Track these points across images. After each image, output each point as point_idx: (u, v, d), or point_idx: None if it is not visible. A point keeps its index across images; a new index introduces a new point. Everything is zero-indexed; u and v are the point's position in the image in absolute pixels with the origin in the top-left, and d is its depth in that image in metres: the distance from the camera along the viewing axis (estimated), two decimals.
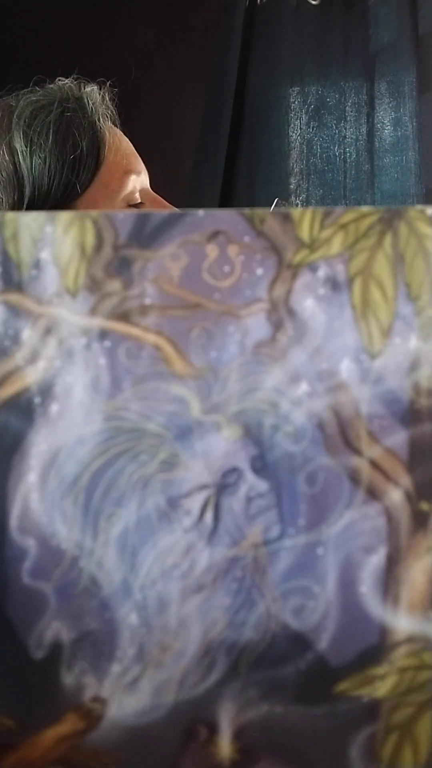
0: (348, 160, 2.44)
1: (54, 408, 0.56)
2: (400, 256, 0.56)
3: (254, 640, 0.56)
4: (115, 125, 1.27)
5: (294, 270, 0.56)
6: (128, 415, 0.56)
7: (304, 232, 0.56)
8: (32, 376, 0.56)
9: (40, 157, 1.17)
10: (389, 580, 0.56)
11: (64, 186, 1.18)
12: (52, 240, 0.56)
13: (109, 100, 1.27)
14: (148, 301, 0.56)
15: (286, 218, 0.56)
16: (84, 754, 0.57)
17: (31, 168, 1.17)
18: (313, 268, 0.56)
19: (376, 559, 0.56)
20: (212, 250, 0.56)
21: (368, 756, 0.57)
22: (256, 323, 0.56)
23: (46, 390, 0.56)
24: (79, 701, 0.57)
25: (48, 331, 0.56)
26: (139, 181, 1.24)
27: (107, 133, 1.22)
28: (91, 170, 1.19)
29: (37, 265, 0.56)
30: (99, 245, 0.56)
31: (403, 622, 0.57)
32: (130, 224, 0.56)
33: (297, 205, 2.28)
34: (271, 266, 0.56)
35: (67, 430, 0.56)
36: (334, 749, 0.57)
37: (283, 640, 0.56)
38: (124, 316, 0.56)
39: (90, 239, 0.56)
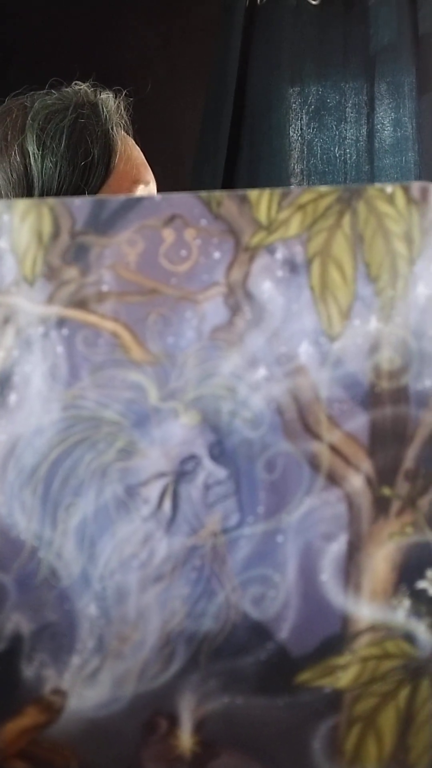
0: (348, 161, 2.44)
1: (12, 398, 0.55)
2: (359, 236, 0.55)
3: (214, 630, 0.56)
4: (128, 134, 1.27)
5: (251, 252, 0.55)
6: (86, 404, 0.55)
7: (262, 214, 0.55)
8: None
9: (51, 161, 1.16)
10: (350, 567, 0.55)
11: (73, 191, 1.17)
12: (10, 228, 0.55)
13: (124, 108, 1.27)
14: (105, 287, 0.55)
15: (243, 200, 0.55)
16: (44, 747, 0.56)
17: (42, 171, 1.16)
18: (270, 250, 0.55)
19: (337, 547, 0.55)
20: (169, 235, 0.55)
21: (331, 748, 0.56)
22: (213, 308, 0.55)
23: (5, 380, 0.55)
24: (39, 694, 0.56)
25: (6, 320, 0.55)
26: (146, 191, 1.24)
27: (119, 142, 1.22)
28: (101, 178, 1.19)
29: None
30: (56, 233, 0.55)
31: (365, 611, 0.56)
32: (87, 210, 0.55)
33: None
34: (229, 249, 0.55)
35: (26, 420, 0.55)
36: (296, 741, 0.56)
37: (243, 630, 0.56)
38: (81, 304, 0.55)
39: (47, 227, 0.55)
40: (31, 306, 0.55)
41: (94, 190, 1.19)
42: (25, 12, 2.56)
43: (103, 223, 0.55)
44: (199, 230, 0.55)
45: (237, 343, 0.55)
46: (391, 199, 0.55)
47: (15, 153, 1.17)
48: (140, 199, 0.55)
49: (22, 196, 1.16)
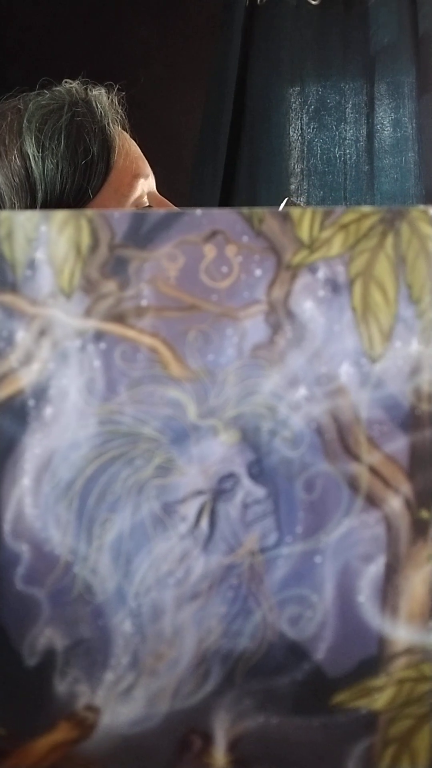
0: (348, 161, 2.44)
1: (48, 411, 0.55)
2: (401, 257, 0.55)
3: (250, 649, 0.55)
4: (123, 129, 1.26)
5: (293, 271, 0.55)
6: (123, 419, 0.55)
7: (304, 233, 0.55)
8: (26, 379, 0.55)
9: (52, 162, 1.16)
10: (388, 589, 0.55)
11: (76, 191, 1.17)
12: (47, 239, 0.55)
13: (117, 103, 1.26)
14: (144, 302, 0.55)
15: (286, 218, 0.55)
16: (77, 762, 0.56)
17: (44, 173, 1.16)
18: (312, 269, 0.55)
19: (375, 568, 0.55)
20: (210, 251, 0.55)
21: None
22: (254, 325, 0.55)
23: (41, 393, 0.55)
24: (72, 709, 0.56)
25: (42, 332, 0.55)
26: (147, 184, 1.23)
27: (116, 138, 1.21)
28: (102, 175, 1.19)
29: (31, 265, 0.55)
30: (95, 245, 0.55)
31: (401, 633, 0.55)
32: (127, 223, 0.55)
33: (302, 204, 2.28)
34: (270, 267, 0.55)
35: (62, 434, 0.55)
36: (330, 762, 0.56)
37: (280, 649, 0.55)
38: (119, 318, 0.55)
39: (85, 239, 0.55)
40: (68, 319, 0.55)
41: (96, 188, 1.18)
42: (25, 12, 2.55)
43: (142, 237, 0.55)
44: (241, 247, 0.55)
45: (278, 362, 0.55)
46: None
47: (15, 157, 1.16)
48: (181, 214, 0.55)
49: (26, 200, 1.16)
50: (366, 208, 0.55)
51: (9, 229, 0.55)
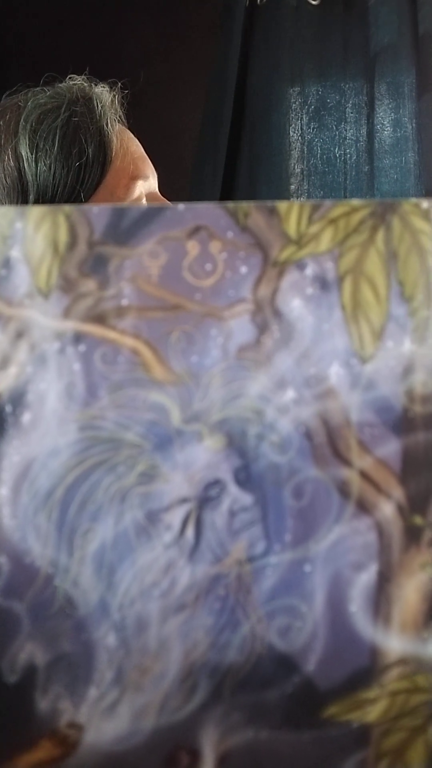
0: (348, 161, 2.42)
1: (26, 417, 0.53)
2: (393, 252, 0.53)
3: (238, 662, 0.53)
4: (125, 127, 1.24)
5: (280, 268, 0.53)
6: (105, 425, 0.53)
7: (291, 227, 0.53)
8: (3, 383, 0.53)
9: (45, 164, 1.14)
10: (380, 598, 0.53)
11: (69, 193, 1.15)
12: (23, 237, 0.53)
13: (120, 100, 1.24)
14: (125, 302, 0.53)
15: (272, 212, 0.53)
16: None
17: (36, 175, 1.14)
18: (300, 265, 0.53)
19: (367, 577, 0.53)
20: (193, 247, 0.53)
21: None
22: (239, 325, 0.53)
23: (18, 398, 0.53)
24: (55, 727, 0.54)
25: (19, 334, 0.53)
26: (146, 186, 1.21)
27: (114, 139, 1.19)
28: (96, 177, 1.16)
29: (6, 264, 0.53)
30: (73, 242, 0.53)
31: (394, 643, 0.53)
32: (106, 219, 0.53)
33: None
34: (256, 264, 0.53)
35: (40, 441, 0.53)
36: None
37: (269, 662, 0.53)
38: (99, 319, 0.53)
39: (63, 236, 0.53)
40: (46, 320, 0.53)
41: (90, 191, 1.16)
42: (25, 12, 2.54)
43: (122, 233, 0.53)
44: (225, 243, 0.53)
45: (265, 364, 0.53)
46: (426, 215, 0.53)
47: (8, 157, 1.14)
48: (162, 209, 0.53)
49: (17, 201, 1.14)
50: (356, 202, 0.53)
51: None
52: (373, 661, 0.53)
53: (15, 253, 0.53)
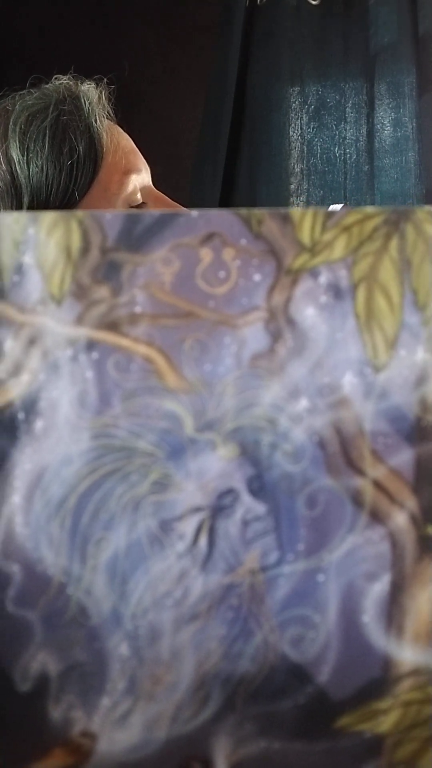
0: (348, 161, 2.42)
1: (39, 424, 0.53)
2: (406, 260, 0.53)
3: (251, 672, 0.53)
4: (116, 123, 1.23)
5: (294, 276, 0.53)
6: (117, 433, 0.53)
7: (305, 235, 0.53)
8: (15, 390, 0.53)
9: (37, 165, 1.13)
10: (393, 609, 0.53)
11: (62, 193, 1.14)
12: (36, 243, 0.53)
13: (108, 95, 1.23)
14: (138, 309, 0.53)
15: (286, 219, 0.53)
16: None
17: (29, 177, 1.14)
18: (314, 273, 0.53)
19: (380, 587, 0.53)
20: (206, 254, 0.53)
21: None
22: (253, 334, 0.53)
23: (31, 405, 0.53)
24: (68, 736, 0.54)
25: (32, 341, 0.53)
26: (140, 179, 1.20)
27: (104, 134, 1.18)
28: (89, 175, 1.16)
29: (19, 270, 0.53)
30: (85, 248, 0.53)
31: (407, 654, 0.53)
32: (119, 225, 0.53)
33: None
34: (270, 272, 0.53)
35: (53, 449, 0.53)
36: None
37: (282, 672, 0.53)
38: (112, 326, 0.53)
39: (76, 242, 0.53)
40: (59, 327, 0.53)
41: (83, 189, 1.16)
42: (24, 12, 2.53)
43: (136, 240, 0.53)
44: (239, 250, 0.53)
45: (278, 372, 0.52)
46: None
47: (0, 161, 1.14)
48: (176, 216, 0.53)
49: (12, 205, 1.14)
50: (369, 209, 0.53)
51: None
52: (386, 671, 0.53)
53: (28, 259, 0.53)
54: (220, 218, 0.53)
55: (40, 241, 0.53)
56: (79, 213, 0.53)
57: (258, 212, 0.53)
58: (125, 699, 0.53)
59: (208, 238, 0.53)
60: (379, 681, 0.53)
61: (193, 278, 0.53)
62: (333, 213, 0.53)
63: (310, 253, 0.53)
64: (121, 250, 0.53)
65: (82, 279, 0.53)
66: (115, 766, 0.54)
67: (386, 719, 0.53)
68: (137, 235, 0.53)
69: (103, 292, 0.53)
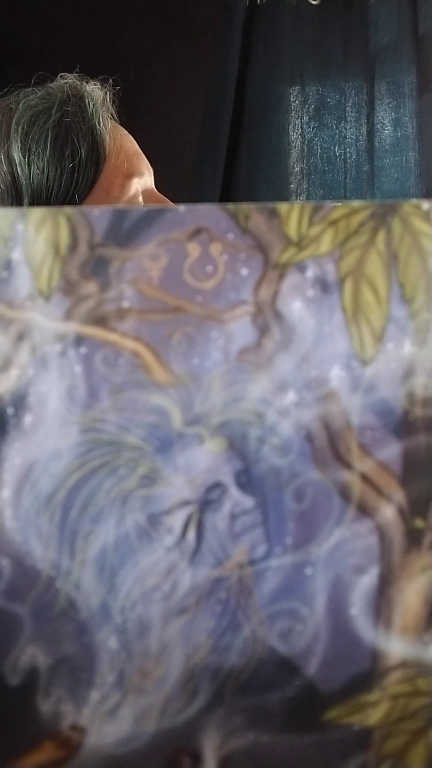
0: (348, 161, 2.42)
1: (28, 419, 0.53)
2: (393, 254, 0.53)
3: (239, 665, 0.53)
4: (119, 124, 1.23)
5: (281, 270, 0.53)
6: (106, 427, 0.53)
7: (292, 229, 0.53)
8: (4, 385, 0.53)
9: (38, 167, 1.13)
10: (381, 601, 0.53)
11: (63, 195, 1.14)
12: (24, 239, 0.53)
13: (112, 97, 1.23)
14: (126, 304, 0.53)
15: (273, 214, 0.53)
16: None
17: (30, 178, 1.13)
18: (301, 267, 0.53)
19: (368, 580, 0.53)
20: (194, 249, 0.53)
21: None
22: (240, 328, 0.53)
23: (19, 400, 0.53)
24: (57, 729, 0.54)
25: (20, 337, 0.53)
26: (142, 182, 1.20)
27: (107, 137, 1.18)
28: (91, 177, 1.16)
29: (8, 266, 0.53)
30: (74, 244, 0.53)
31: (395, 647, 0.53)
32: (107, 221, 0.53)
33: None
34: (257, 266, 0.53)
35: (42, 443, 0.53)
36: None
37: (270, 665, 0.53)
38: (100, 321, 0.53)
39: (64, 238, 0.53)
40: (47, 322, 0.53)
41: (85, 191, 1.15)
42: (25, 12, 2.54)
43: (123, 235, 0.53)
44: (226, 245, 0.53)
45: (265, 366, 0.53)
46: (426, 216, 0.53)
47: (1, 162, 1.14)
48: (163, 211, 0.53)
49: (12, 205, 1.13)
50: (356, 203, 0.53)
51: None
52: (374, 664, 0.53)
53: (16, 255, 0.53)
54: (208, 213, 0.53)
55: (29, 237, 0.53)
56: (67, 209, 0.53)
57: (245, 207, 0.53)
58: (114, 692, 0.53)
59: (196, 233, 0.53)
60: (367, 674, 0.53)
61: (180, 273, 0.53)
62: (320, 207, 0.53)
63: (296, 247, 0.53)
64: (109, 246, 0.53)
65: (71, 275, 0.53)
66: (104, 760, 0.54)
67: (375, 712, 0.54)
68: (125, 230, 0.53)
69: (91, 287, 0.53)
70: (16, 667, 0.53)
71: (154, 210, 0.53)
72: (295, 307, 0.53)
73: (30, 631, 0.53)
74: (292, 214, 0.53)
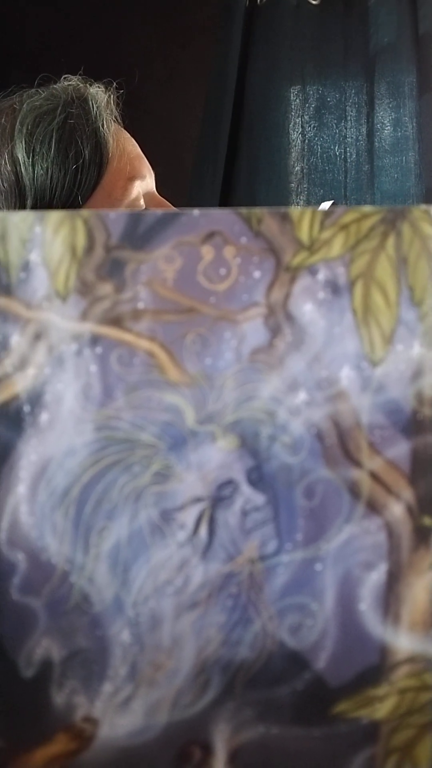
0: (348, 160, 2.43)
1: (44, 417, 0.54)
2: (403, 258, 0.54)
3: (250, 658, 0.54)
4: (121, 126, 1.24)
5: (293, 273, 0.54)
6: (120, 425, 0.54)
7: (304, 233, 0.54)
8: (21, 384, 0.54)
9: (42, 168, 1.14)
10: (390, 597, 0.54)
11: (66, 196, 1.15)
12: (42, 241, 0.54)
13: (115, 100, 1.24)
14: (141, 305, 0.54)
15: (285, 218, 0.54)
16: None
17: (33, 179, 1.14)
18: (312, 270, 0.54)
19: (377, 576, 0.54)
20: (208, 252, 0.54)
21: None
22: (253, 329, 0.54)
23: (36, 398, 0.54)
24: (70, 721, 0.55)
25: (37, 336, 0.54)
26: (143, 185, 1.21)
27: (110, 139, 1.19)
28: (93, 179, 1.16)
29: (26, 267, 0.54)
30: (90, 246, 0.54)
31: (403, 642, 0.54)
32: (123, 224, 0.54)
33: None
34: (269, 269, 0.54)
35: (58, 440, 0.54)
36: None
37: (280, 659, 0.54)
38: (116, 321, 0.54)
39: (81, 240, 0.54)
40: (64, 322, 0.54)
41: (87, 193, 1.16)
42: (25, 12, 2.54)
43: (139, 238, 0.54)
44: (239, 248, 0.54)
45: (277, 366, 0.54)
46: None
47: (5, 162, 1.14)
48: (178, 215, 0.54)
49: (15, 206, 1.14)
50: (367, 208, 0.54)
51: (2, 230, 0.54)
52: (383, 658, 0.54)
53: (34, 257, 0.54)
54: (221, 217, 0.54)
55: (47, 239, 0.54)
56: (84, 212, 0.54)
57: (258, 211, 0.54)
58: (127, 685, 0.54)
59: (210, 236, 0.54)
60: (375, 668, 0.54)
61: (194, 275, 0.54)
62: (331, 212, 0.54)
63: (308, 250, 0.54)
64: (124, 248, 0.54)
65: (87, 276, 0.54)
66: (116, 751, 0.55)
67: (383, 706, 0.55)
68: (140, 233, 0.54)
69: (107, 288, 0.54)
70: (31, 660, 0.55)
71: (169, 214, 0.54)
72: (307, 309, 0.54)
73: (44, 624, 0.54)
74: (304, 218, 0.54)
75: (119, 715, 0.55)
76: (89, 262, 0.54)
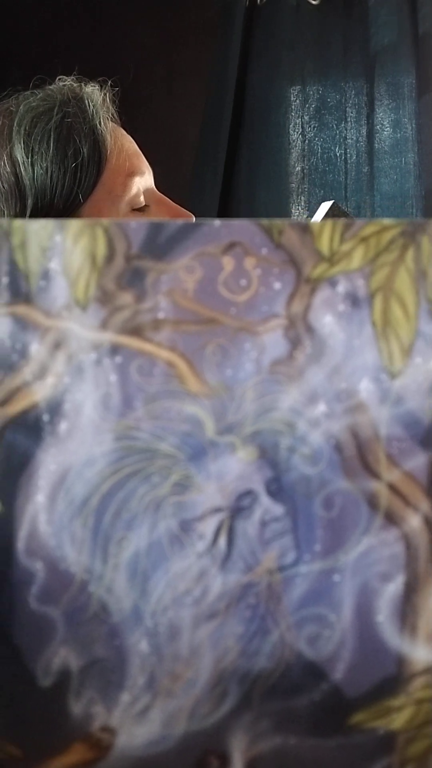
0: (348, 161, 2.43)
1: (63, 426, 0.54)
2: (422, 271, 0.54)
3: (267, 669, 0.55)
4: (119, 125, 1.24)
5: (313, 284, 0.54)
6: (140, 435, 0.54)
7: (324, 245, 0.54)
8: (41, 393, 0.54)
9: (41, 167, 1.14)
10: (407, 609, 0.55)
11: (67, 195, 1.15)
12: (62, 249, 0.54)
13: (111, 98, 1.24)
14: (161, 315, 0.54)
15: (305, 230, 0.54)
16: None
17: (33, 178, 1.14)
18: (332, 282, 0.54)
19: (394, 588, 0.55)
20: (228, 263, 0.54)
21: None
22: (273, 340, 0.54)
23: (55, 407, 0.54)
24: (88, 731, 0.55)
25: (57, 345, 0.54)
26: (143, 182, 1.21)
27: (108, 137, 1.19)
28: (93, 177, 1.17)
29: (45, 275, 0.54)
30: (110, 256, 0.54)
31: (420, 653, 0.55)
32: (143, 234, 0.54)
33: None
34: (290, 280, 0.54)
35: (77, 450, 0.54)
36: None
37: (298, 669, 0.55)
38: (136, 331, 0.54)
39: (101, 249, 0.54)
40: (84, 331, 0.54)
41: (88, 191, 1.16)
42: (25, 13, 2.54)
43: (159, 248, 0.54)
44: (260, 259, 0.54)
45: (297, 378, 0.54)
46: None
47: (4, 163, 1.15)
48: (199, 225, 0.54)
49: (15, 207, 1.14)
50: (387, 221, 0.54)
51: (22, 239, 0.54)
52: (400, 669, 0.55)
53: (54, 265, 0.54)
54: (242, 228, 0.54)
55: (67, 248, 0.54)
56: (105, 221, 0.54)
57: (279, 222, 0.54)
58: (144, 694, 0.55)
59: (230, 247, 0.54)
60: (392, 679, 0.55)
61: (215, 286, 0.54)
62: (351, 224, 0.54)
63: (328, 262, 0.54)
64: (145, 258, 0.54)
65: (107, 285, 0.54)
66: (134, 761, 0.55)
67: (399, 716, 0.55)
68: (161, 243, 0.54)
69: (127, 298, 0.54)
70: (49, 669, 0.55)
71: (190, 224, 0.54)
72: (327, 321, 0.54)
73: (63, 634, 0.55)
74: (325, 230, 0.54)
75: (137, 725, 0.55)
76: (109, 271, 0.54)
